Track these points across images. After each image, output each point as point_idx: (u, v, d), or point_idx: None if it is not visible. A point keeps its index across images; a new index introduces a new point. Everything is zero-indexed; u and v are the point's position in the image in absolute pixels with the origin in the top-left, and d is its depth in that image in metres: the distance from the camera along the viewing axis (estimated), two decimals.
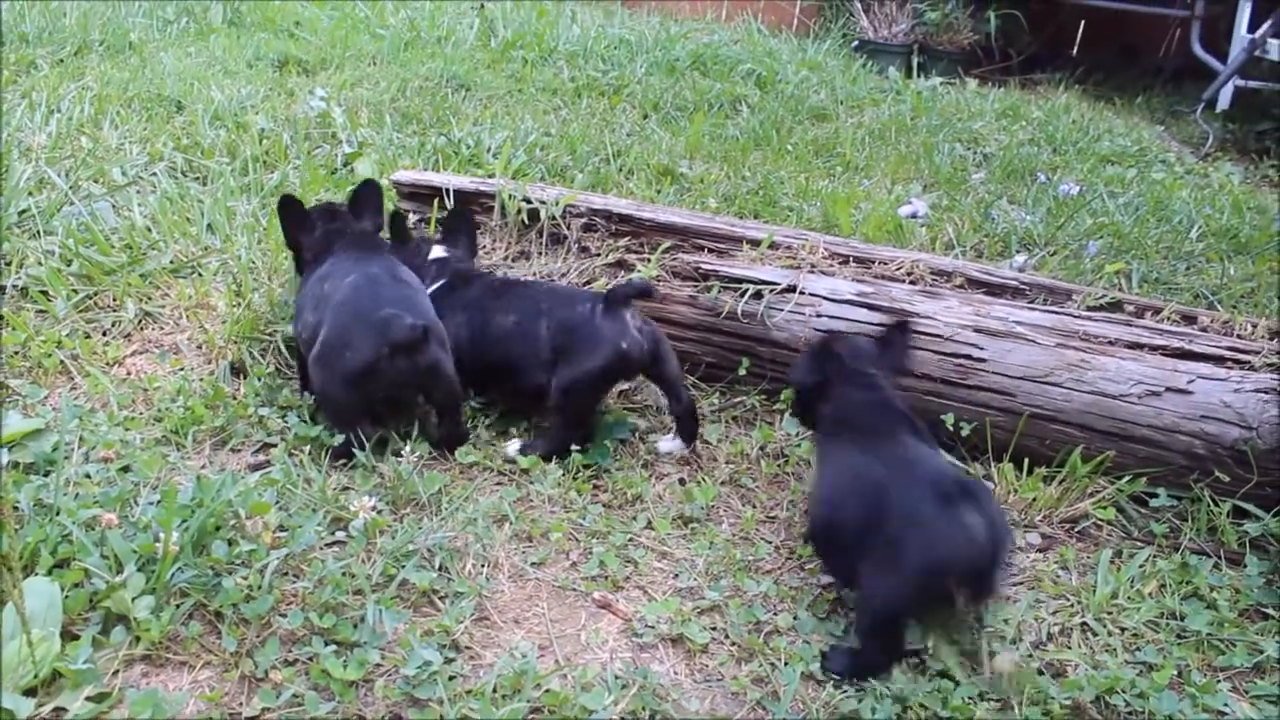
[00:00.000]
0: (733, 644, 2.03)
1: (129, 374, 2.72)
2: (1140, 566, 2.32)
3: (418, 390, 2.52)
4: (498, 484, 2.47)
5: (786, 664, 1.96)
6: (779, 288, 2.83)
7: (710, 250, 3.03)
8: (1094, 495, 2.53)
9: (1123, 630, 2.15)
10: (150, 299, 2.99)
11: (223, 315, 2.89)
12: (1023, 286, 2.92)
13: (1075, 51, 8.23)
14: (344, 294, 2.48)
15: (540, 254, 3.11)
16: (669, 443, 2.66)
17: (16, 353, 2.68)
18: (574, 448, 2.53)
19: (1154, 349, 2.60)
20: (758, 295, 2.83)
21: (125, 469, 2.29)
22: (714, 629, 2.06)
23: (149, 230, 3.27)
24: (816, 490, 2.21)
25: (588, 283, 3.00)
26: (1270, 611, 2.22)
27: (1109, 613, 2.19)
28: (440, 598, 2.06)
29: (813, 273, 2.88)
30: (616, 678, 1.89)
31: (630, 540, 2.30)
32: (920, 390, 2.65)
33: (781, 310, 2.81)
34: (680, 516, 2.41)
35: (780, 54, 6.70)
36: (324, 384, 2.45)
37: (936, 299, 2.78)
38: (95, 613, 1.87)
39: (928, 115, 5.80)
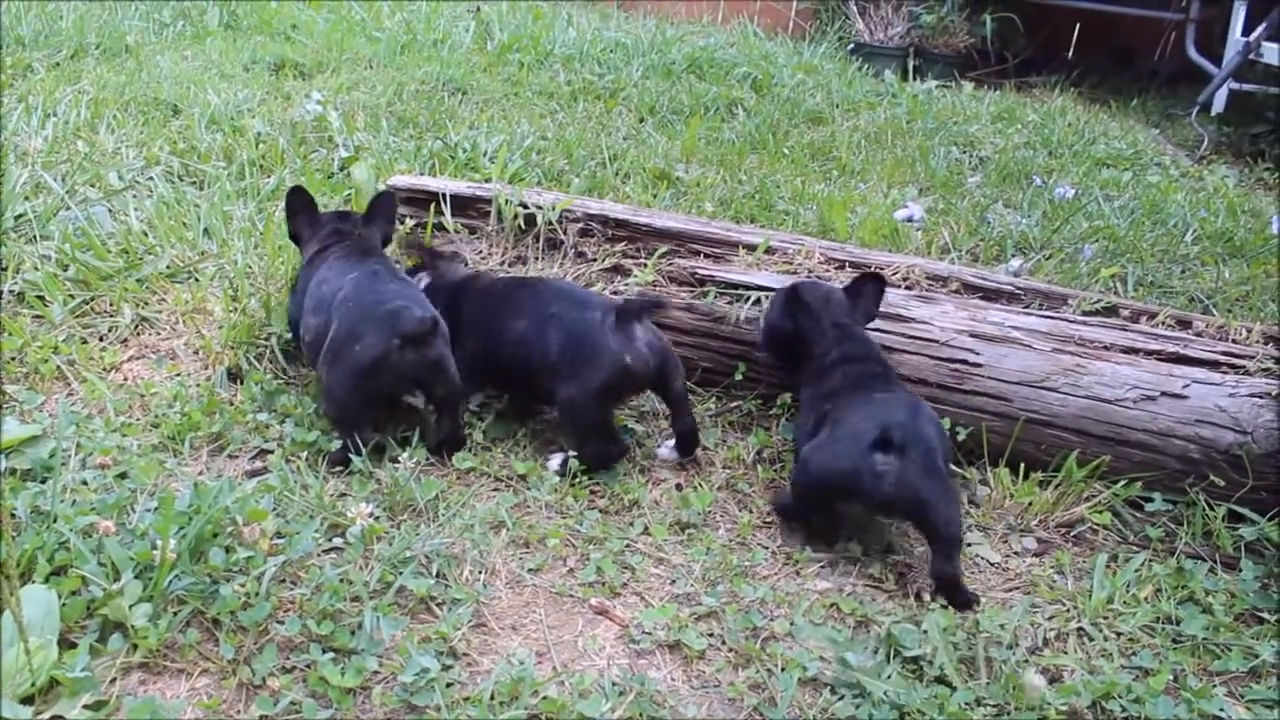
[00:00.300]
0: (729, 650, 2.03)
1: (126, 380, 2.72)
2: (1136, 571, 2.33)
3: (422, 385, 2.52)
4: (495, 490, 2.47)
5: (783, 670, 1.96)
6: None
7: (706, 255, 3.03)
8: (1089, 500, 2.54)
9: (1119, 635, 2.15)
10: (147, 304, 2.99)
11: (219, 320, 2.89)
12: (1018, 291, 2.93)
13: (1071, 55, 8.25)
14: (348, 291, 2.50)
15: (537, 259, 3.11)
16: (668, 449, 2.66)
17: (13, 359, 2.68)
18: (572, 454, 2.53)
19: (1149, 354, 2.61)
20: (755, 301, 2.83)
21: (122, 475, 2.29)
22: (711, 635, 2.06)
23: (145, 235, 3.27)
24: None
25: (585, 288, 2.99)
26: (1266, 616, 2.22)
27: (1105, 617, 2.19)
28: (438, 604, 2.06)
29: (809, 277, 2.89)
30: (614, 684, 1.89)
31: (627, 546, 2.31)
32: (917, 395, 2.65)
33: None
34: (677, 522, 2.41)
35: (776, 57, 6.71)
36: (333, 381, 2.44)
37: (932, 304, 2.79)
38: (93, 620, 1.86)
39: (923, 118, 5.81)
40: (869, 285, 2.63)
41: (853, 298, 2.61)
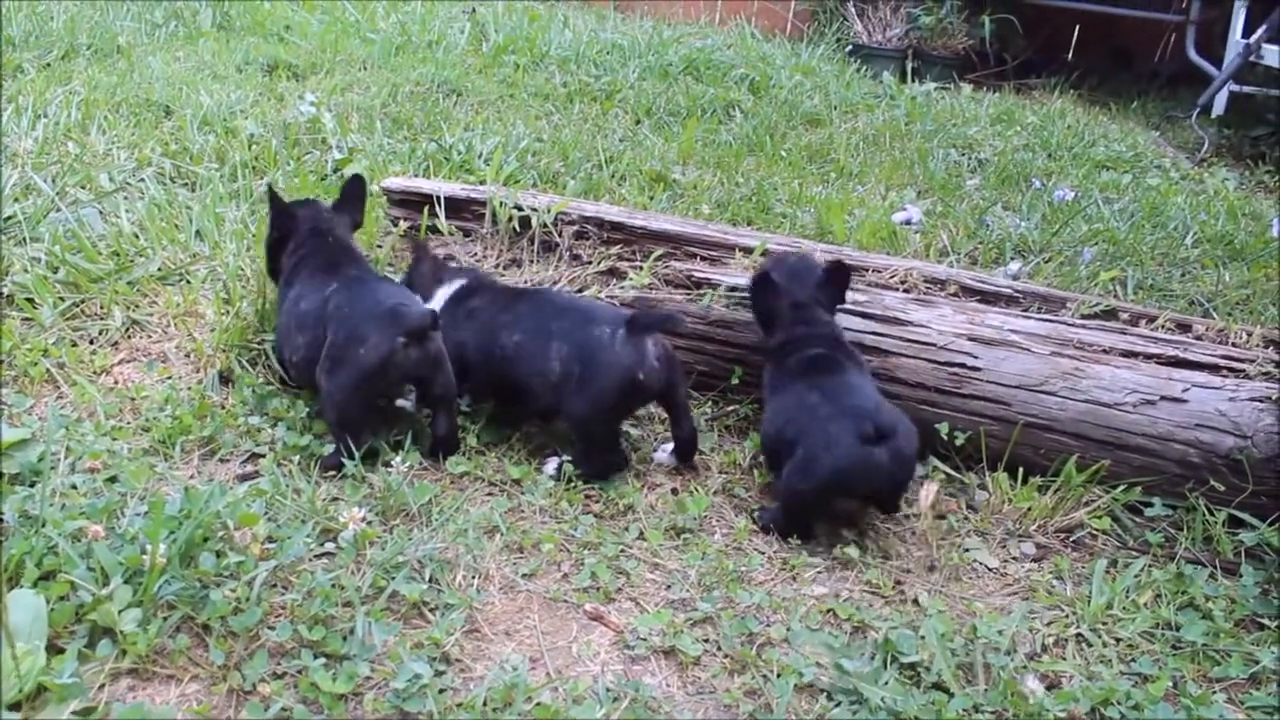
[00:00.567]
0: (725, 656, 2.01)
1: (116, 383, 2.69)
2: (1135, 576, 2.31)
3: (422, 382, 2.51)
4: (488, 495, 2.45)
5: (779, 676, 1.94)
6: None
7: (703, 258, 3.02)
8: (1089, 505, 2.52)
9: (1118, 641, 2.14)
10: (138, 307, 2.96)
11: (211, 323, 2.87)
12: (1017, 294, 2.91)
13: (1070, 57, 8.23)
14: (339, 299, 2.48)
15: (532, 261, 3.10)
16: (664, 454, 2.64)
17: (2, 361, 2.65)
18: (566, 457, 2.51)
19: (1149, 357, 2.60)
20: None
21: (112, 479, 2.27)
22: (706, 640, 2.04)
23: (136, 237, 3.25)
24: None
25: (579, 290, 2.97)
26: (1266, 622, 2.21)
27: (1104, 623, 2.18)
28: (430, 610, 2.04)
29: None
30: (608, 690, 1.88)
31: (622, 551, 2.29)
32: (915, 399, 2.63)
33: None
34: (672, 527, 2.39)
35: (774, 59, 6.69)
36: (336, 386, 2.42)
37: (930, 307, 2.77)
38: (81, 625, 1.84)
39: (922, 121, 5.79)
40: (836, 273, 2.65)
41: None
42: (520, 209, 3.12)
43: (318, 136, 4.25)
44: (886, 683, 1.92)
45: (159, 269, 3.09)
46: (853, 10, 7.63)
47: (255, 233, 3.18)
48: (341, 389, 2.41)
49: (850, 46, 7.47)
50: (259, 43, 5.90)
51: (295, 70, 5.35)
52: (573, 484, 2.48)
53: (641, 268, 2.97)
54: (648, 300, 2.89)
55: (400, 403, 2.68)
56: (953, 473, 2.63)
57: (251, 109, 4.54)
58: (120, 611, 1.84)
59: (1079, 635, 2.15)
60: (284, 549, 2.06)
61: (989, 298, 2.90)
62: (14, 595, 1.79)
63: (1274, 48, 5.98)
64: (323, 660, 1.84)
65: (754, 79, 6.11)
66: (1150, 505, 2.50)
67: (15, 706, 1.68)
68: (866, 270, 2.95)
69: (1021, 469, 2.58)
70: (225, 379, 2.73)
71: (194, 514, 2.01)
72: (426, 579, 2.10)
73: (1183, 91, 7.50)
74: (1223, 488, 2.43)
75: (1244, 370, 2.54)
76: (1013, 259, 3.85)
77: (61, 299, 2.91)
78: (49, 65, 5.03)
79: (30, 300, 2.87)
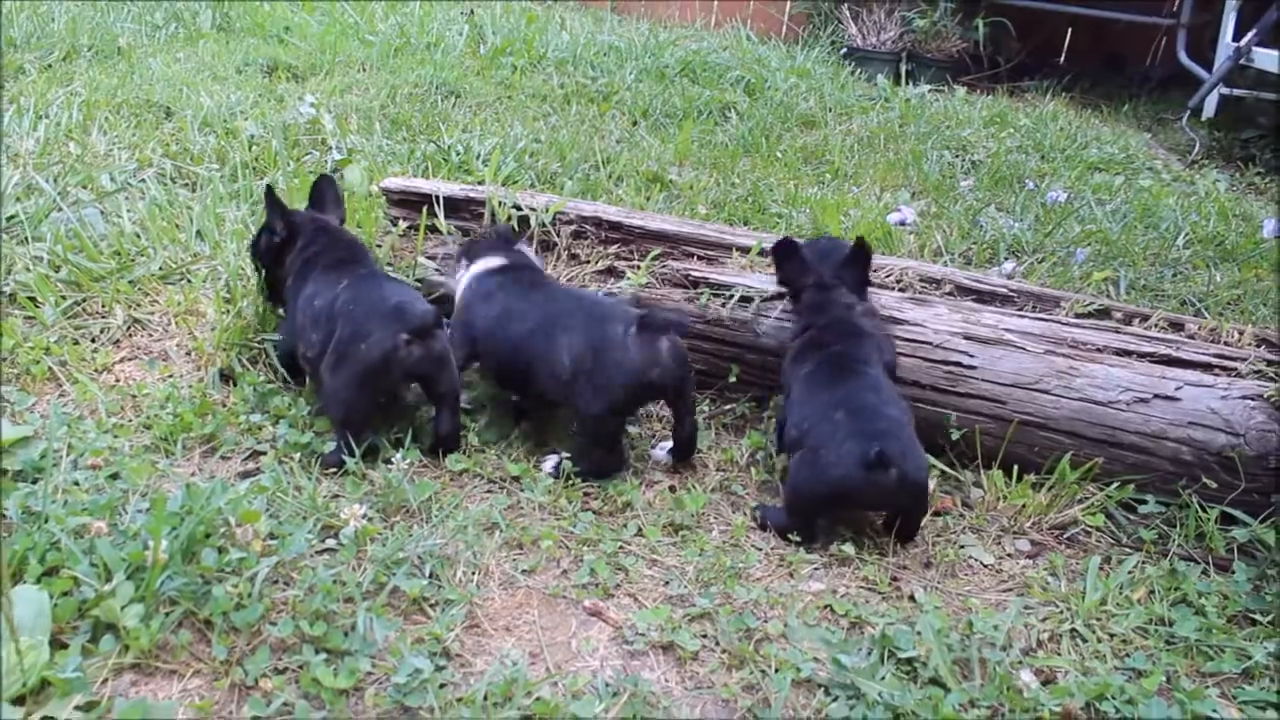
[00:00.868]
0: (723, 651, 2.02)
1: (118, 381, 2.71)
2: (1129, 573, 2.33)
3: (426, 381, 2.52)
4: (488, 492, 2.47)
5: (777, 671, 1.96)
6: (768, 295, 2.83)
7: (699, 257, 3.04)
8: (1083, 502, 2.54)
9: (1112, 637, 2.15)
10: (139, 306, 2.98)
11: (212, 322, 2.89)
12: (1011, 294, 2.93)
13: (1063, 59, 8.27)
14: (347, 296, 2.50)
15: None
16: (662, 451, 2.66)
17: (4, 359, 2.67)
18: (565, 454, 2.53)
19: (1142, 356, 2.61)
20: (747, 302, 2.84)
21: (114, 476, 2.28)
22: (704, 636, 2.06)
23: (138, 237, 3.26)
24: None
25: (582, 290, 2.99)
26: (1258, 617, 2.23)
27: (1098, 619, 2.20)
28: (431, 605, 2.05)
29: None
30: (607, 685, 1.89)
31: (621, 548, 2.30)
32: (910, 398, 2.65)
33: (771, 317, 2.81)
34: (670, 524, 2.41)
35: (769, 61, 6.72)
36: (340, 383, 2.44)
37: (925, 306, 2.79)
38: (84, 621, 1.85)
39: (916, 122, 5.82)
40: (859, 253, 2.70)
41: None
42: (519, 208, 3.13)
43: (317, 137, 4.27)
44: (883, 677, 1.93)
45: (160, 268, 3.11)
46: (847, 13, 7.65)
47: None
48: (345, 385, 2.42)
49: (845, 49, 7.50)
50: (259, 44, 5.92)
51: (295, 72, 5.37)
52: (571, 481, 2.49)
53: (639, 267, 2.99)
54: (644, 299, 2.90)
55: (404, 399, 2.70)
56: (948, 470, 2.65)
57: (252, 110, 4.56)
58: (123, 607, 1.85)
59: (1073, 631, 2.17)
60: (285, 545, 2.07)
61: (984, 297, 2.92)
62: (17, 591, 1.81)
63: (1264, 51, 6.01)
64: (324, 656, 1.86)
65: (749, 81, 6.14)
66: (1144, 502, 2.52)
67: (19, 701, 1.70)
68: None
69: (1016, 466, 2.60)
70: (226, 377, 2.75)
71: (196, 510, 2.02)
72: (427, 575, 2.11)
73: (1174, 94, 7.53)
74: (1215, 485, 2.45)
75: (1236, 369, 2.56)
76: (1006, 259, 3.88)
77: (63, 298, 2.92)
78: (50, 66, 5.05)
79: (32, 299, 2.89)
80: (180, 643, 1.86)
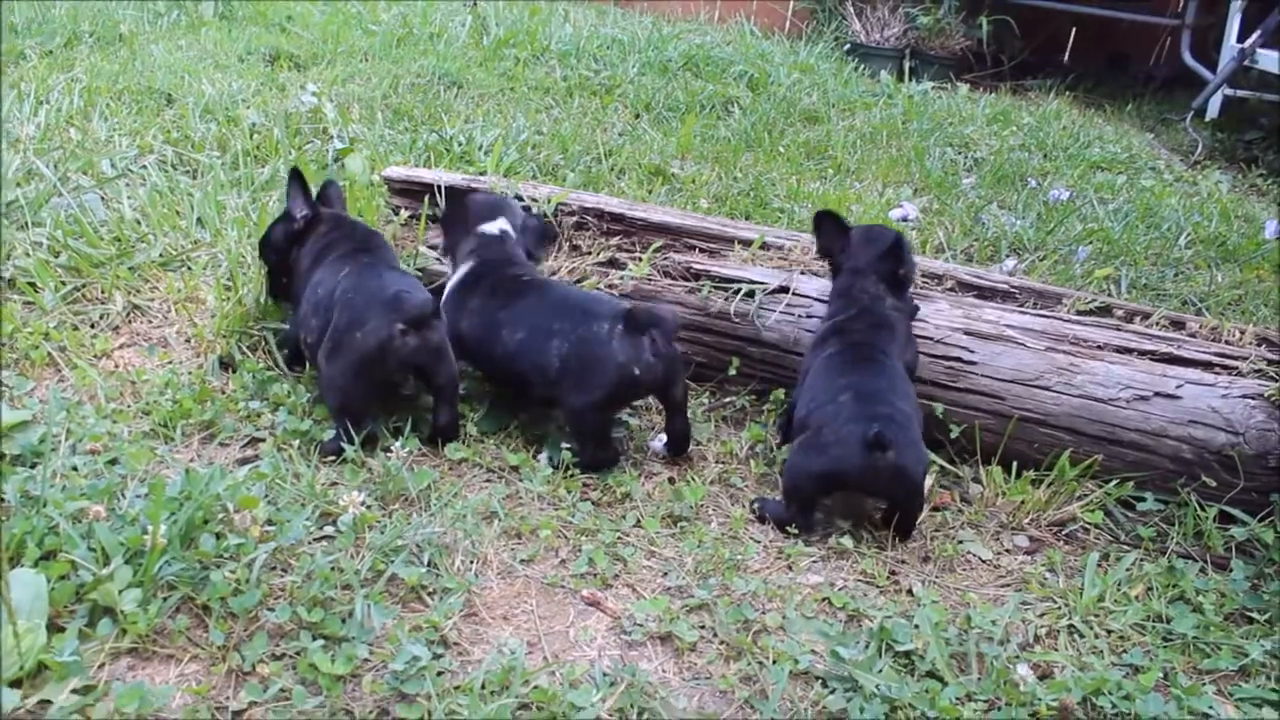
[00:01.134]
0: (721, 642, 2.02)
1: (117, 367, 2.70)
2: (1127, 570, 2.33)
3: (422, 372, 2.52)
4: (487, 481, 2.47)
5: (775, 662, 1.96)
6: (770, 288, 2.83)
7: (702, 250, 3.03)
8: (1082, 499, 2.54)
9: (1109, 633, 2.15)
10: (139, 292, 2.97)
11: (212, 309, 2.88)
12: (1013, 290, 2.93)
13: (1066, 58, 8.27)
14: (346, 284, 2.50)
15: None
16: (659, 443, 2.66)
17: (3, 344, 2.66)
18: (565, 446, 2.52)
19: (1143, 354, 2.61)
20: (749, 295, 2.83)
21: (113, 462, 2.28)
22: (702, 627, 2.06)
23: (138, 223, 3.26)
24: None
25: (579, 281, 2.99)
26: (1255, 615, 2.23)
27: (1096, 615, 2.20)
28: (429, 593, 2.05)
29: (804, 274, 2.89)
30: (604, 675, 1.89)
31: (619, 538, 2.30)
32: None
33: (773, 311, 2.81)
34: (669, 515, 2.41)
35: (772, 56, 6.70)
36: (336, 370, 2.43)
37: (927, 302, 2.79)
38: (82, 605, 1.85)
39: (919, 119, 5.81)
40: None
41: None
42: (521, 199, 3.13)
43: (319, 126, 4.26)
44: (881, 670, 1.93)
45: (160, 255, 3.11)
46: (851, 9, 7.65)
47: (258, 220, 3.18)
48: (340, 373, 2.42)
49: (848, 45, 7.50)
50: (261, 33, 5.91)
51: (297, 60, 5.37)
52: (570, 472, 2.49)
53: (641, 259, 2.99)
54: (646, 292, 2.90)
55: (404, 391, 2.70)
56: (947, 465, 2.65)
57: (253, 98, 4.55)
58: (121, 591, 1.85)
59: (1071, 626, 2.16)
60: (284, 532, 2.07)
61: (985, 293, 2.92)
62: (15, 574, 1.80)
63: (1268, 52, 6.01)
64: (322, 642, 1.85)
65: (753, 76, 6.13)
66: (1142, 500, 2.52)
67: (16, 684, 1.70)
68: None
69: (1015, 463, 2.59)
70: (226, 364, 2.75)
71: (194, 496, 2.02)
72: (425, 563, 2.11)
73: (1178, 94, 7.53)
74: (1214, 483, 2.45)
75: (1236, 368, 2.55)
76: (1008, 256, 3.87)
77: (63, 283, 2.92)
78: (51, 52, 5.04)
79: (32, 284, 2.88)
80: (178, 628, 1.85)
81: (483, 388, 2.81)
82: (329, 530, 2.17)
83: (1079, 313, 2.84)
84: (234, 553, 1.99)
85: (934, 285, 2.93)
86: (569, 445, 2.52)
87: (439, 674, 1.84)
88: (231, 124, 4.18)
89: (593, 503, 2.42)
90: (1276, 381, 2.47)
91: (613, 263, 3.04)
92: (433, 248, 3.12)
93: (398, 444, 2.40)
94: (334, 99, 4.54)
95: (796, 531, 2.38)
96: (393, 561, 2.07)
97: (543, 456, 2.55)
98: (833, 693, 1.90)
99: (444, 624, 1.95)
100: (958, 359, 2.65)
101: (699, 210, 3.88)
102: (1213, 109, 6.60)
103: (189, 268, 3.09)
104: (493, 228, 2.81)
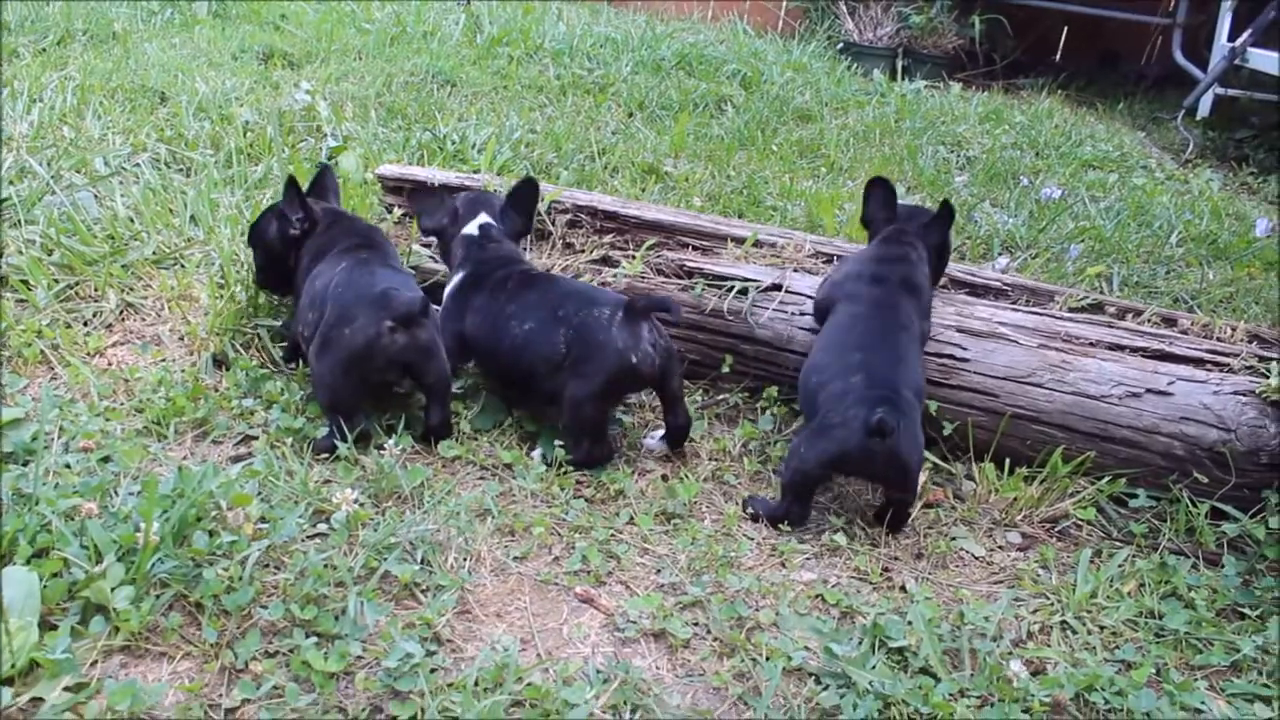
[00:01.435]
0: (714, 639, 2.03)
1: (110, 364, 2.70)
2: (1119, 566, 2.34)
3: (412, 370, 2.51)
4: (480, 478, 2.47)
5: (768, 659, 1.96)
6: (763, 286, 2.84)
7: (695, 248, 3.04)
8: (1074, 495, 2.55)
9: (1102, 629, 2.16)
10: (132, 290, 2.97)
11: (205, 307, 2.88)
12: (1005, 288, 2.94)
13: (1058, 57, 8.29)
14: (339, 279, 2.49)
15: (525, 249, 3.10)
16: (654, 440, 2.66)
17: None
18: (559, 443, 2.52)
19: (1135, 351, 2.62)
20: (742, 293, 2.84)
21: (105, 459, 2.27)
22: (696, 624, 2.06)
23: (131, 221, 3.25)
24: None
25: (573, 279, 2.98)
26: (1247, 611, 2.23)
27: (1088, 611, 2.20)
28: (422, 591, 2.05)
29: (797, 271, 2.89)
30: (598, 672, 1.89)
31: (613, 535, 2.30)
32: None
33: (766, 309, 2.81)
34: (663, 512, 2.41)
35: (765, 55, 6.71)
36: (325, 368, 2.43)
37: None
38: (74, 603, 1.85)
39: (911, 118, 5.82)
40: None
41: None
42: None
43: (312, 124, 4.26)
44: (874, 667, 1.94)
45: (153, 253, 3.10)
46: (844, 8, 7.66)
47: (250, 218, 3.18)
48: (329, 370, 2.42)
49: (841, 44, 7.51)
50: (255, 31, 5.91)
51: (291, 59, 5.36)
52: (564, 469, 2.49)
53: (634, 257, 2.99)
54: (639, 290, 2.90)
55: (397, 389, 2.69)
56: (940, 462, 2.65)
57: (247, 96, 4.55)
58: (113, 589, 1.85)
59: (1064, 623, 2.17)
60: (277, 529, 2.07)
61: (978, 290, 2.93)
62: (7, 572, 1.80)
63: (1259, 52, 6.03)
64: (315, 639, 1.85)
65: (746, 74, 6.14)
66: (1135, 497, 2.53)
67: (8, 682, 1.69)
68: None
69: (1008, 459, 2.60)
70: (219, 362, 2.75)
71: (187, 493, 2.02)
72: (418, 560, 2.11)
73: (1169, 93, 7.55)
74: (1206, 480, 2.46)
75: (1228, 365, 2.56)
76: (1000, 254, 3.88)
77: (56, 281, 2.91)
78: (45, 50, 5.03)
79: (25, 282, 2.87)
80: (170, 625, 1.85)
81: (477, 385, 2.80)
82: (322, 528, 2.17)
83: (1071, 310, 2.85)
84: (227, 550, 1.99)
85: None
86: (563, 443, 2.52)
87: (432, 671, 1.84)
88: (225, 122, 4.17)
89: (586, 500, 2.42)
90: (1268, 378, 2.48)
91: (606, 260, 3.04)
92: (425, 245, 3.11)
93: (391, 441, 2.40)
94: (328, 97, 4.53)
95: (789, 528, 2.38)
96: (386, 559, 2.07)
97: (536, 454, 2.55)
98: (826, 689, 1.90)
99: (437, 621, 1.95)
100: (950, 356, 2.65)
101: (692, 208, 3.88)
102: (1204, 108, 6.62)
103: (182, 265, 3.08)
104: (472, 228, 2.80)
